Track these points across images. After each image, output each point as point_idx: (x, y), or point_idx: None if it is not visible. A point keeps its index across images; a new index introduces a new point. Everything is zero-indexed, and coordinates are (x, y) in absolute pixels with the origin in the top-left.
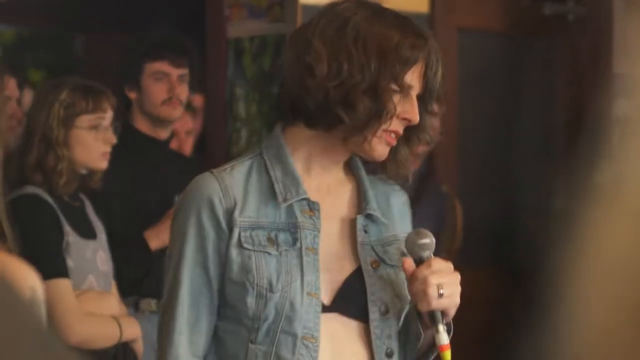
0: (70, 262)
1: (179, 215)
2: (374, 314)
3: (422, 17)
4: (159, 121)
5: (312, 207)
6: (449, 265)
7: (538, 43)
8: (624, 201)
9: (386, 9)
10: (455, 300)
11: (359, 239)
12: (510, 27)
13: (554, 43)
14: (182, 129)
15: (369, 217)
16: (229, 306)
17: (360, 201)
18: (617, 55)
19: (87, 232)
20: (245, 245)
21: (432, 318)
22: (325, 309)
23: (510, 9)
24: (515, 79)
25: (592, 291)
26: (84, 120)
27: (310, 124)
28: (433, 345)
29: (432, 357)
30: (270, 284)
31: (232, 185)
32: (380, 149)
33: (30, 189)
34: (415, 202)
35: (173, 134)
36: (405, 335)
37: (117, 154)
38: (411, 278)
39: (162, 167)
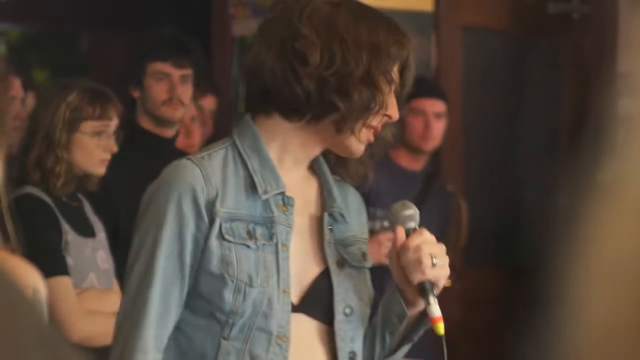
0: (70, 261)
1: (156, 201)
2: (338, 315)
3: (426, 15)
4: (161, 121)
5: (287, 202)
6: (434, 237)
7: (542, 42)
8: (627, 200)
9: (367, 5)
10: (446, 271)
11: (326, 238)
12: (515, 25)
13: (558, 42)
14: (186, 116)
15: (333, 215)
16: (202, 299)
17: (326, 199)
18: (622, 54)
19: (86, 231)
20: (226, 237)
21: (422, 290)
22: (294, 308)
23: (514, 8)
24: (519, 77)
25: (594, 291)
26: (89, 125)
27: (290, 115)
28: (417, 324)
29: (416, 337)
30: (250, 279)
31: (213, 174)
32: (359, 145)
33: (28, 189)
34: (420, 202)
35: (178, 133)
36: (371, 337)
37: (122, 151)
38: (402, 249)
39: (167, 164)
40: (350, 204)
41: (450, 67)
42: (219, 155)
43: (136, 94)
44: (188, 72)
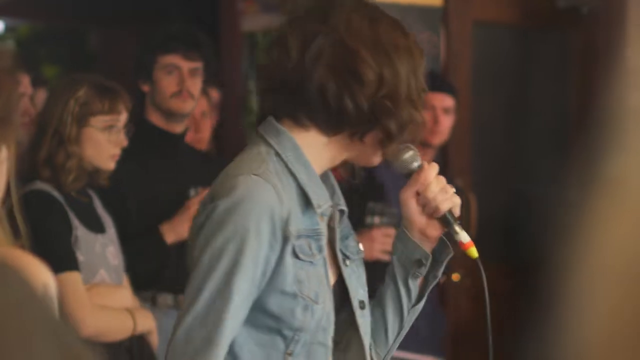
0: (80, 256)
1: (233, 220)
2: (356, 311)
3: (436, 10)
4: (171, 114)
5: (324, 213)
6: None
7: (551, 36)
8: (635, 194)
9: (392, 17)
10: (458, 197)
11: (337, 238)
12: (524, 20)
13: (567, 36)
14: (197, 111)
15: (341, 213)
16: (270, 316)
17: (331, 196)
18: (631, 48)
19: (96, 227)
20: (300, 255)
21: (447, 220)
22: None
23: (524, 2)
24: (529, 71)
25: (597, 287)
26: (99, 120)
27: (331, 130)
28: (439, 259)
29: (441, 271)
30: (317, 295)
31: (282, 190)
32: (381, 157)
33: (39, 185)
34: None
35: (188, 128)
36: (395, 291)
37: (131, 147)
38: (423, 185)
39: (177, 161)
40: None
41: (460, 61)
42: (273, 167)
43: (145, 87)
44: (198, 65)
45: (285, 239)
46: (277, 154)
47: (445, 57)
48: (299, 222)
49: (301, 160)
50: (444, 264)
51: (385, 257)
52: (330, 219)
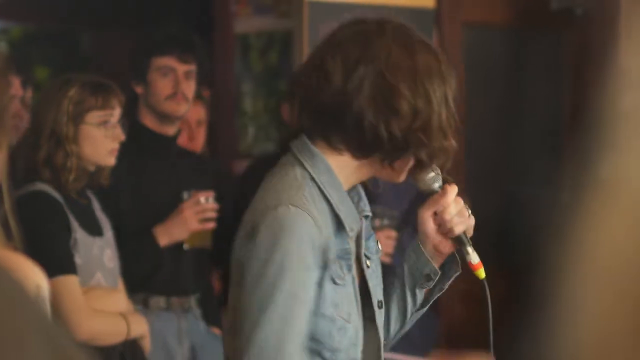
0: (77, 259)
1: (280, 259)
2: (375, 311)
3: (428, 12)
4: (165, 117)
5: (354, 232)
6: None
7: (544, 37)
8: (627, 197)
9: (431, 46)
10: (473, 219)
11: (363, 246)
12: (517, 21)
13: (560, 37)
14: (192, 119)
15: (365, 218)
16: (312, 339)
17: (357, 204)
18: (624, 50)
19: (94, 229)
20: (337, 280)
21: (462, 240)
22: None
23: (516, 3)
24: (521, 73)
25: (590, 289)
26: (93, 116)
27: (363, 155)
28: (447, 274)
29: (447, 285)
30: (349, 315)
31: (319, 218)
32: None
33: (39, 186)
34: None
35: (180, 130)
36: (401, 295)
37: (124, 149)
38: (443, 206)
39: (169, 163)
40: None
41: (452, 63)
42: (309, 193)
43: (139, 89)
44: (192, 67)
45: (325, 266)
46: (312, 179)
47: None
48: (333, 246)
49: (335, 184)
50: (451, 279)
51: (386, 260)
52: (358, 235)
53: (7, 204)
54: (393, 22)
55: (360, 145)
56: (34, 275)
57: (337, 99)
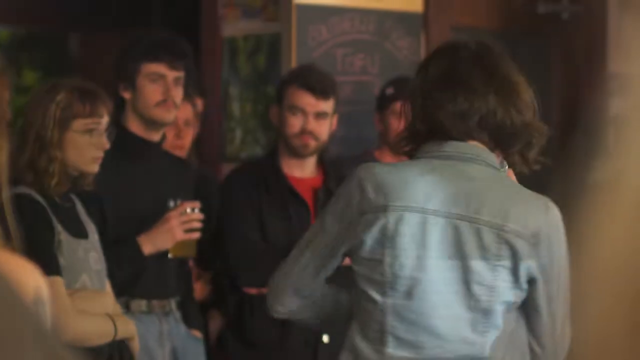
0: (62, 261)
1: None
2: None
3: (416, 16)
4: (153, 123)
5: None
6: None
7: (532, 41)
8: (619, 199)
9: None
10: None
11: None
12: (504, 25)
13: (548, 42)
14: (181, 118)
15: None
16: None
17: None
18: (612, 54)
19: (79, 232)
20: None
21: None
22: None
23: (504, 8)
24: None
25: (589, 290)
26: (80, 123)
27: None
28: None
29: None
30: None
31: None
32: None
33: (22, 189)
34: None
35: (165, 136)
36: None
37: (109, 155)
38: None
39: (155, 169)
40: None
41: None
42: None
43: (127, 95)
44: (181, 74)
45: None
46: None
47: None
48: None
49: None
50: None
51: None
52: None
53: (6, 205)
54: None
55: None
56: (33, 277)
57: (484, 104)
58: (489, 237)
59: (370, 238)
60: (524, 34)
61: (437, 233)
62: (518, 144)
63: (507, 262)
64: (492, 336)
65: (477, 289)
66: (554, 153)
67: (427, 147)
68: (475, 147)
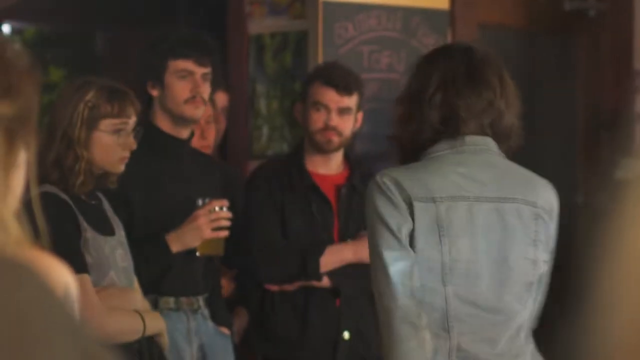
0: (89, 259)
1: None
2: None
3: (443, 13)
4: (182, 120)
5: None
6: None
7: (558, 39)
8: None
9: None
10: None
11: None
12: (531, 23)
13: (574, 39)
14: (202, 117)
15: None
16: None
17: None
18: (638, 51)
19: (105, 229)
20: None
21: None
22: None
23: (530, 5)
24: (535, 75)
25: (624, 289)
26: (108, 123)
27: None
28: None
29: None
30: None
31: None
32: None
33: (47, 187)
34: None
35: (193, 133)
36: None
37: (137, 152)
38: None
39: (183, 166)
40: None
41: None
42: None
43: (155, 92)
44: (208, 70)
45: None
46: None
47: None
48: None
49: None
50: None
51: None
52: None
53: (35, 203)
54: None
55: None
56: (62, 274)
57: (498, 106)
58: (527, 215)
59: (421, 225)
60: (550, 31)
61: (482, 217)
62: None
63: (542, 237)
64: (530, 307)
65: (522, 263)
66: (580, 150)
67: (443, 145)
68: (488, 139)
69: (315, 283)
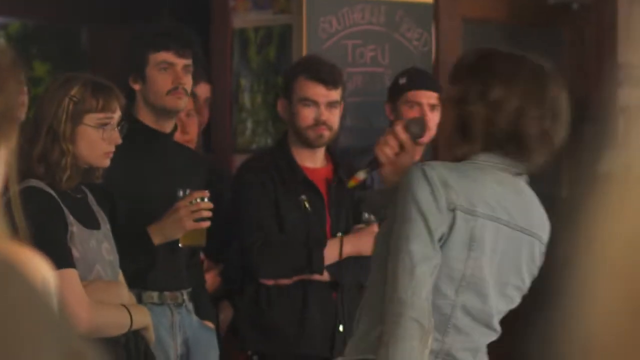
0: (75, 253)
1: None
2: None
3: (426, 7)
4: (164, 112)
5: None
6: None
7: (542, 32)
8: (629, 190)
9: None
10: None
11: None
12: (515, 16)
13: (558, 32)
14: (183, 111)
15: None
16: None
17: None
18: (622, 45)
19: (91, 223)
20: None
21: None
22: None
23: None
24: None
25: (602, 281)
26: (93, 118)
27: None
28: None
29: None
30: None
31: None
32: None
33: (33, 182)
34: None
35: (177, 127)
36: None
37: (121, 146)
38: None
39: (166, 161)
40: None
41: (450, 58)
42: None
43: (137, 86)
44: (189, 62)
45: None
46: None
47: (436, 54)
48: None
49: None
50: None
51: None
52: None
53: (14, 198)
54: None
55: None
56: (41, 269)
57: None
58: (537, 251)
59: (457, 235)
60: (534, 25)
61: (504, 242)
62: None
63: (537, 271)
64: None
65: (514, 292)
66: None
67: (487, 157)
68: (523, 165)
69: (316, 276)
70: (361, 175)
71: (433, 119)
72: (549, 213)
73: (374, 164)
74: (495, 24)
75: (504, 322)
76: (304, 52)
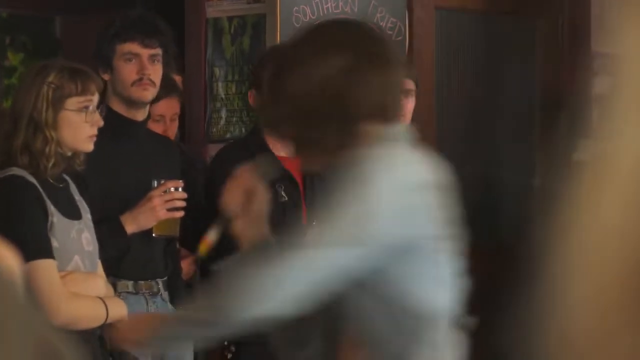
0: (55, 243)
1: None
2: None
3: None
4: (131, 102)
5: None
6: None
7: (517, 22)
8: (608, 178)
9: None
10: None
11: None
12: (489, 5)
13: (532, 22)
14: (168, 113)
15: None
16: None
17: None
18: (596, 34)
19: (72, 213)
20: None
21: None
22: None
23: None
24: (494, 58)
25: (575, 271)
26: (73, 102)
27: None
28: None
29: None
30: None
31: None
32: None
33: (15, 171)
34: None
35: (150, 116)
36: None
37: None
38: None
39: (139, 149)
40: None
41: (424, 47)
42: None
43: (106, 76)
44: (157, 51)
45: None
46: None
47: (409, 42)
48: None
49: None
50: None
51: None
52: None
53: None
54: None
55: None
56: (6, 259)
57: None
58: None
59: None
60: (508, 14)
61: None
62: None
63: None
64: None
65: None
66: (538, 132)
67: None
68: None
69: None
70: (212, 236)
71: (407, 106)
72: (523, 201)
73: (223, 220)
74: (469, 13)
75: (480, 313)
76: (278, 42)
